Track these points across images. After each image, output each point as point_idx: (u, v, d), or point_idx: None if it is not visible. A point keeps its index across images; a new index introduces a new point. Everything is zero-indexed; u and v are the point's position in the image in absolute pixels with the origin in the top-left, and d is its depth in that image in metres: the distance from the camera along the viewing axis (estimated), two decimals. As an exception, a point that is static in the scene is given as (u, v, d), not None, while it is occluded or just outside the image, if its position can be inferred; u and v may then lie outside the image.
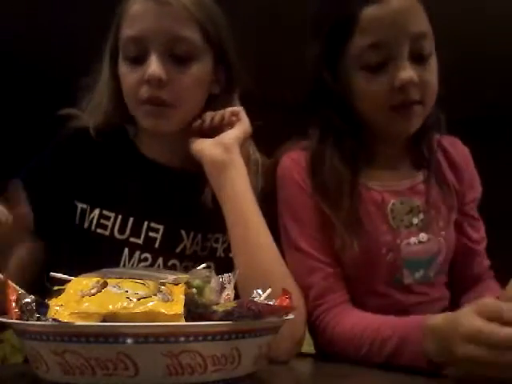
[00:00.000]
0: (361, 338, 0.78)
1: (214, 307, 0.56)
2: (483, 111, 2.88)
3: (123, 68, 0.90)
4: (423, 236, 0.92)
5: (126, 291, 0.52)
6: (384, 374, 0.73)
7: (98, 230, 0.91)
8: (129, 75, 0.88)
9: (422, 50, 0.85)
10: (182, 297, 0.54)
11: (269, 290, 0.67)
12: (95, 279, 0.56)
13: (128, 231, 0.92)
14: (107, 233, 0.91)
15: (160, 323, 0.50)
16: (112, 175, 0.95)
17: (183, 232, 0.94)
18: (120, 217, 0.92)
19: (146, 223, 0.92)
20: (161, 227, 0.93)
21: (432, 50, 0.87)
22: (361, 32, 0.85)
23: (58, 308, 0.50)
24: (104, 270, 0.62)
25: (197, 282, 0.61)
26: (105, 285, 0.53)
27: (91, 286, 0.54)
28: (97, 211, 0.92)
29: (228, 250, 0.96)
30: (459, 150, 1.02)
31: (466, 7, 1.95)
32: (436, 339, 0.68)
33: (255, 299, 0.65)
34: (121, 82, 0.91)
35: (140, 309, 0.50)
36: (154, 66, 0.85)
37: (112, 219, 0.92)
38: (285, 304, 0.64)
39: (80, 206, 0.93)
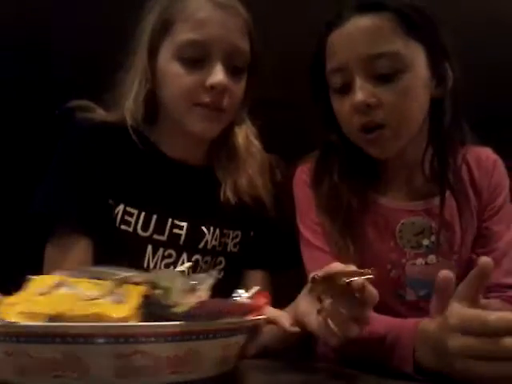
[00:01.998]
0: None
1: (175, 308, 0.55)
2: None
3: (176, 69, 0.90)
4: (432, 258, 0.91)
5: (78, 292, 0.52)
6: (382, 376, 0.71)
7: (122, 227, 0.92)
8: (184, 77, 0.90)
9: (382, 69, 0.83)
10: (138, 299, 0.53)
11: (253, 290, 0.66)
12: (57, 278, 0.56)
13: (151, 228, 0.93)
14: (130, 229, 0.93)
15: (109, 323, 0.49)
16: (134, 172, 0.96)
17: (204, 228, 0.97)
18: (143, 214, 0.93)
19: (169, 220, 0.94)
20: (184, 224, 0.95)
21: (402, 68, 0.83)
22: (328, 57, 0.89)
23: (8, 307, 0.50)
24: (80, 269, 0.62)
25: (164, 283, 0.60)
26: (60, 284, 0.53)
27: (49, 285, 0.54)
28: (121, 207, 0.93)
29: (239, 245, 1.01)
30: (482, 165, 0.96)
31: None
32: (427, 342, 0.66)
33: (235, 299, 0.64)
34: (165, 81, 0.92)
35: (86, 311, 0.49)
36: (221, 75, 0.89)
37: (135, 216, 0.93)
38: (259, 304, 0.62)
39: (108, 202, 0.93)
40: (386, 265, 0.90)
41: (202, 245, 0.96)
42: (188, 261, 0.94)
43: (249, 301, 0.62)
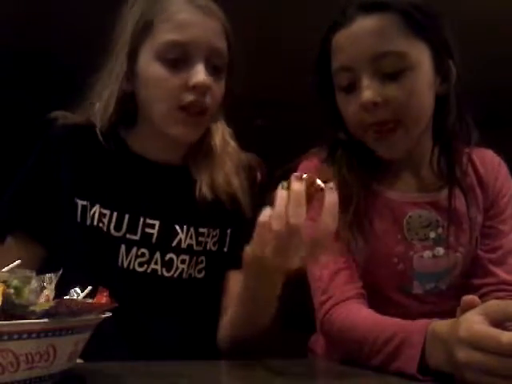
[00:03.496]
0: (364, 335, 0.77)
1: (32, 307, 0.58)
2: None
3: (158, 70, 0.91)
4: (439, 250, 0.92)
5: None
6: (382, 374, 0.72)
7: (100, 225, 0.94)
8: (167, 79, 0.90)
9: (388, 68, 0.84)
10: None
11: (87, 289, 0.70)
12: None
13: (124, 228, 0.94)
14: (104, 229, 0.94)
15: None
16: (105, 173, 0.96)
17: (177, 226, 0.97)
18: (115, 214, 0.94)
19: (141, 219, 0.95)
20: (156, 222, 0.96)
21: (407, 67, 0.85)
22: (333, 55, 0.90)
23: None
24: None
25: (15, 282, 0.61)
26: None
27: None
28: (96, 207, 0.94)
29: (218, 243, 1.01)
30: (487, 164, 0.98)
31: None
32: (438, 344, 0.66)
33: (74, 297, 0.68)
34: (147, 83, 0.93)
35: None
36: (203, 74, 0.90)
37: (107, 216, 0.94)
38: (103, 301, 0.67)
39: (80, 203, 0.94)
40: (392, 258, 0.91)
41: (175, 243, 0.97)
42: (161, 260, 0.95)
43: (95, 300, 0.66)
